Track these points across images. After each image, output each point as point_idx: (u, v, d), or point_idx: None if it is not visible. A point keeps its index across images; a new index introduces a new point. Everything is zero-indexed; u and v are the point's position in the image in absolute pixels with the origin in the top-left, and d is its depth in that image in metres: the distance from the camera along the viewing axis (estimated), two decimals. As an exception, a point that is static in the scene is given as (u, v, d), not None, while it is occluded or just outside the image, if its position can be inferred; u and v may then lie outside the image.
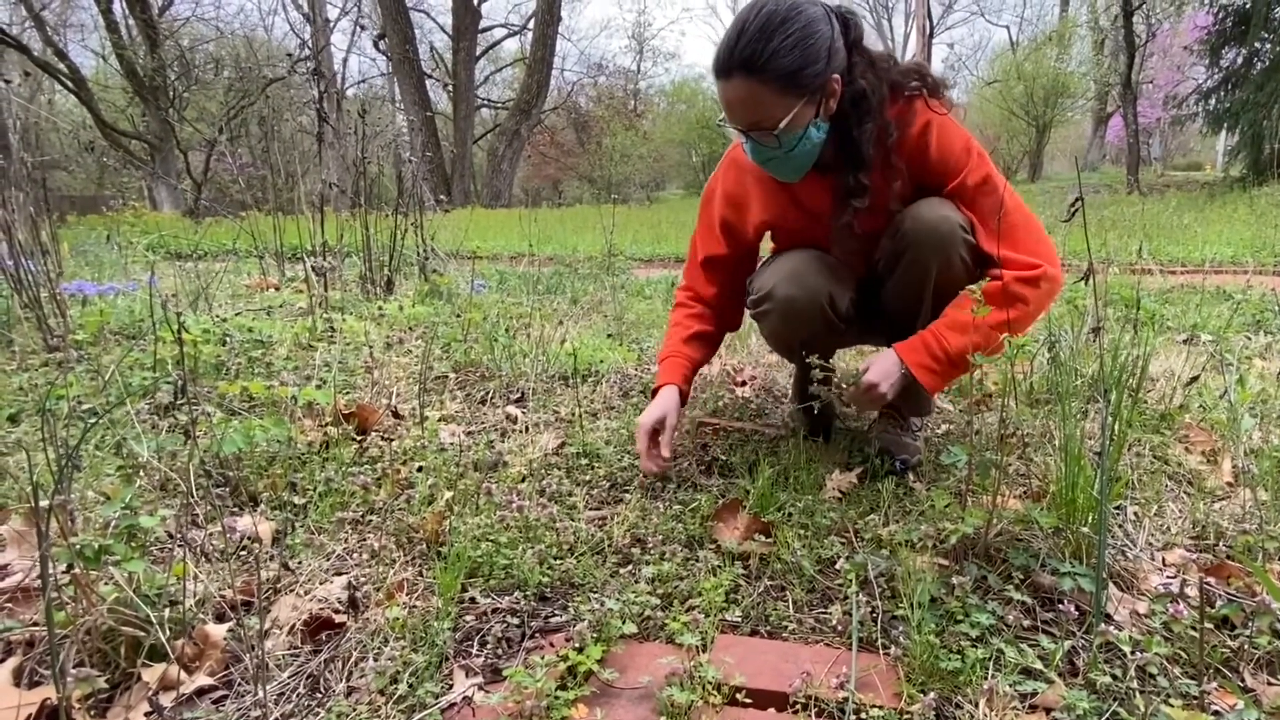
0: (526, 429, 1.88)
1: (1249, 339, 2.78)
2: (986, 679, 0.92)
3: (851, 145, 1.40)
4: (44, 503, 0.79)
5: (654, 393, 1.61)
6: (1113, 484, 1.12)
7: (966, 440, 1.76)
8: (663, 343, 1.72)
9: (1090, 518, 1.16)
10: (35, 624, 0.97)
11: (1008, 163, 26.98)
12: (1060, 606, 1.04)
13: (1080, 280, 1.08)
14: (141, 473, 1.39)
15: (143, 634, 0.89)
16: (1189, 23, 17.46)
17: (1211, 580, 1.08)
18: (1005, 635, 1.01)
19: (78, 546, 0.83)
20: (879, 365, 1.44)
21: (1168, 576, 1.14)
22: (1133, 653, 0.93)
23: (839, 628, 1.07)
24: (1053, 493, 1.25)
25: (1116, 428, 1.21)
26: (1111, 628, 0.97)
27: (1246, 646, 0.96)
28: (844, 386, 1.45)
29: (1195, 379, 1.93)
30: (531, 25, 20.94)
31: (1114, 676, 0.91)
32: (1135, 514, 1.36)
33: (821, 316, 1.53)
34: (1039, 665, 0.94)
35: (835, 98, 1.36)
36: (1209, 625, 0.92)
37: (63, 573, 0.90)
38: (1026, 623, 1.05)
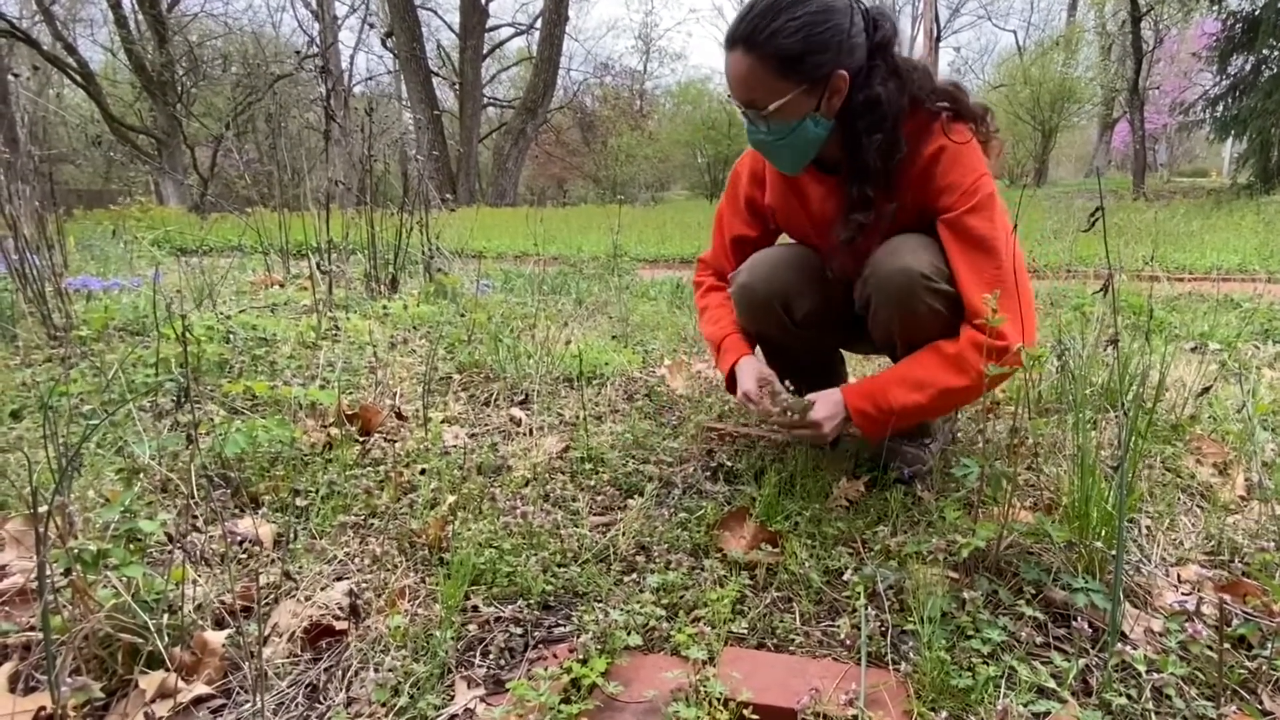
0: (530, 432, 1.86)
1: (1258, 348, 2.75)
2: (999, 698, 0.90)
3: (859, 153, 1.34)
4: (42, 507, 0.77)
5: (730, 369, 1.58)
6: (1128, 497, 1.10)
7: (976, 450, 1.75)
8: (710, 325, 1.68)
9: (1104, 531, 1.15)
10: (33, 628, 0.95)
11: (1012, 168, 26.95)
12: (1074, 623, 1.02)
13: (1098, 292, 1.06)
14: (142, 474, 1.38)
15: (140, 641, 0.87)
16: (1197, 29, 17.40)
17: (1228, 598, 1.06)
18: (1017, 652, 0.99)
19: (76, 551, 0.82)
20: (824, 404, 1.41)
21: (1183, 594, 1.12)
22: (1148, 673, 0.91)
23: (847, 641, 1.05)
24: (1065, 505, 1.23)
25: (1133, 441, 1.19)
26: (1126, 647, 0.95)
27: (1265, 668, 0.94)
28: (789, 416, 1.40)
29: (1207, 389, 1.91)
30: (539, 24, 20.95)
31: (1129, 697, 0.89)
32: (1148, 528, 1.34)
33: (774, 316, 1.53)
34: (1052, 684, 0.92)
35: (840, 95, 1.29)
36: (1226, 645, 0.90)
37: (61, 576, 0.89)
38: (1039, 639, 1.03)
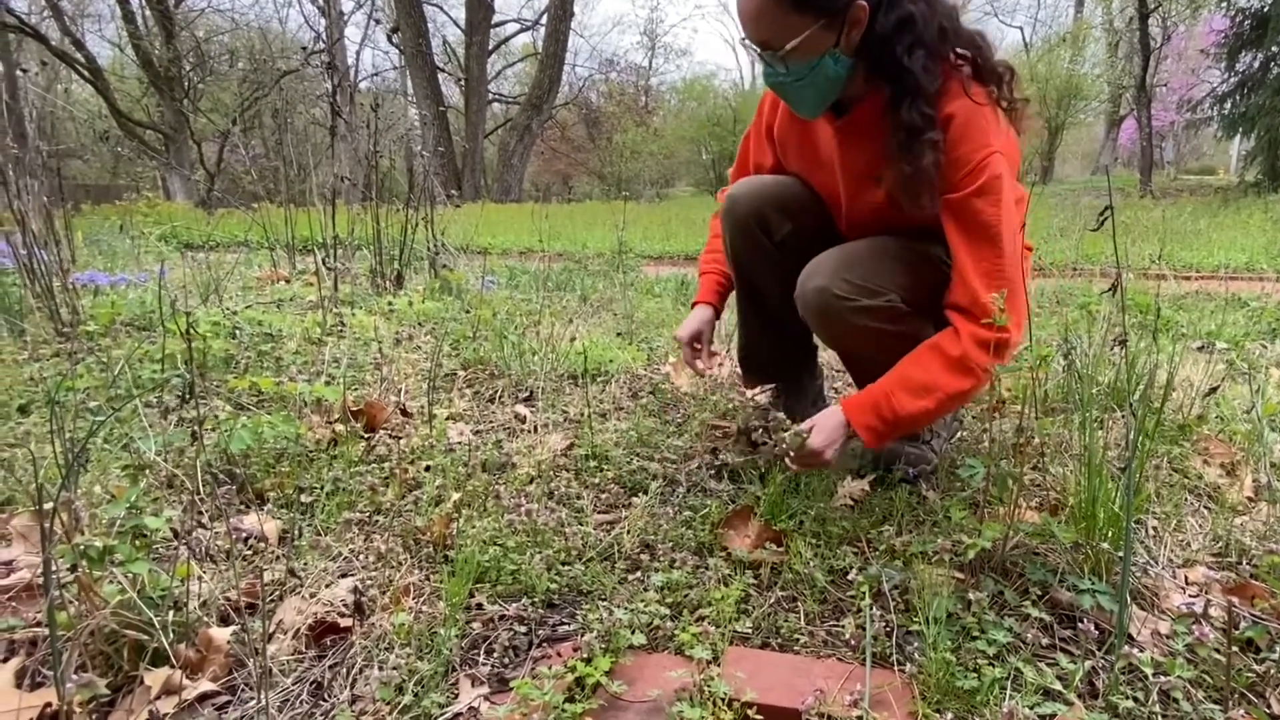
0: (535, 429, 1.86)
1: (1265, 347, 2.74)
2: (1005, 699, 0.89)
3: (904, 74, 1.20)
4: (48, 503, 0.78)
5: (694, 305, 1.69)
6: (1135, 498, 1.10)
7: (982, 449, 1.74)
8: (703, 256, 1.75)
9: (1111, 532, 1.14)
10: (39, 623, 0.96)
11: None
12: (1080, 625, 1.01)
13: (1106, 291, 1.05)
14: (148, 471, 1.38)
15: (145, 637, 0.87)
16: (1205, 26, 17.30)
17: (1235, 601, 1.05)
18: (1023, 654, 0.99)
19: (81, 547, 0.82)
20: (823, 428, 1.33)
21: (1190, 596, 1.11)
22: (1155, 675, 0.91)
23: (852, 642, 1.05)
24: (1071, 506, 1.22)
25: (1140, 442, 1.19)
26: (1133, 649, 0.94)
27: (1273, 671, 0.94)
28: (786, 446, 1.33)
29: (1215, 389, 1.90)
30: (544, 20, 20.92)
31: (1136, 700, 0.89)
32: (1155, 529, 1.34)
33: (750, 232, 1.55)
34: (1058, 686, 0.91)
35: (859, 28, 1.20)
36: (1234, 648, 0.90)
37: (66, 572, 0.89)
38: (1045, 641, 1.03)
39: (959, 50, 1.26)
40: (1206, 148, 29.92)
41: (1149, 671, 0.91)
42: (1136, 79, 14.90)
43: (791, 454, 1.34)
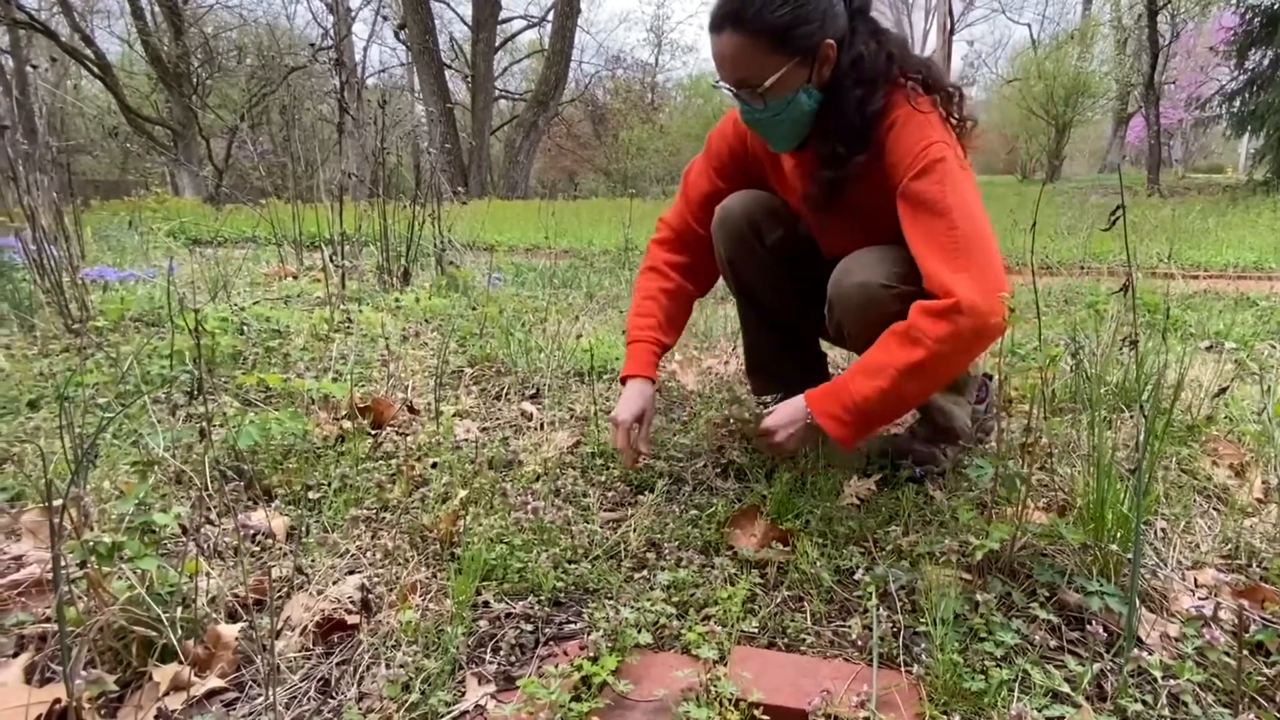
0: (541, 426, 1.86)
1: (1275, 347, 2.72)
2: (1013, 701, 0.89)
3: (839, 111, 1.31)
4: (58, 500, 0.78)
5: (624, 380, 1.57)
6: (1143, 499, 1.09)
7: (989, 449, 1.73)
8: (632, 315, 1.64)
9: (1119, 534, 1.13)
10: (48, 619, 0.96)
11: (1025, 163, 26.71)
12: (1088, 627, 1.01)
13: (1117, 291, 1.04)
14: (156, 467, 1.39)
15: (154, 634, 0.88)
16: (1214, 23, 17.17)
17: (1245, 604, 1.05)
18: (1031, 655, 0.98)
19: (91, 543, 0.82)
20: (781, 411, 1.37)
21: (1199, 599, 1.11)
22: (1164, 679, 0.90)
23: (859, 642, 1.04)
24: (1080, 507, 1.22)
25: (1150, 443, 1.18)
26: (1142, 652, 0.94)
27: (1283, 675, 0.93)
28: (751, 426, 1.38)
29: (1224, 390, 1.89)
30: (551, 17, 20.90)
31: (1145, 703, 0.89)
32: (1164, 530, 1.33)
33: (742, 236, 1.57)
34: (1066, 688, 0.91)
35: (829, 64, 1.30)
36: (1244, 652, 0.89)
37: (76, 567, 0.89)
38: (1052, 643, 1.02)
39: (908, 74, 1.32)
40: (1215, 146, 29.75)
41: (1158, 674, 0.91)
42: (1145, 76, 14.81)
43: (746, 431, 1.38)
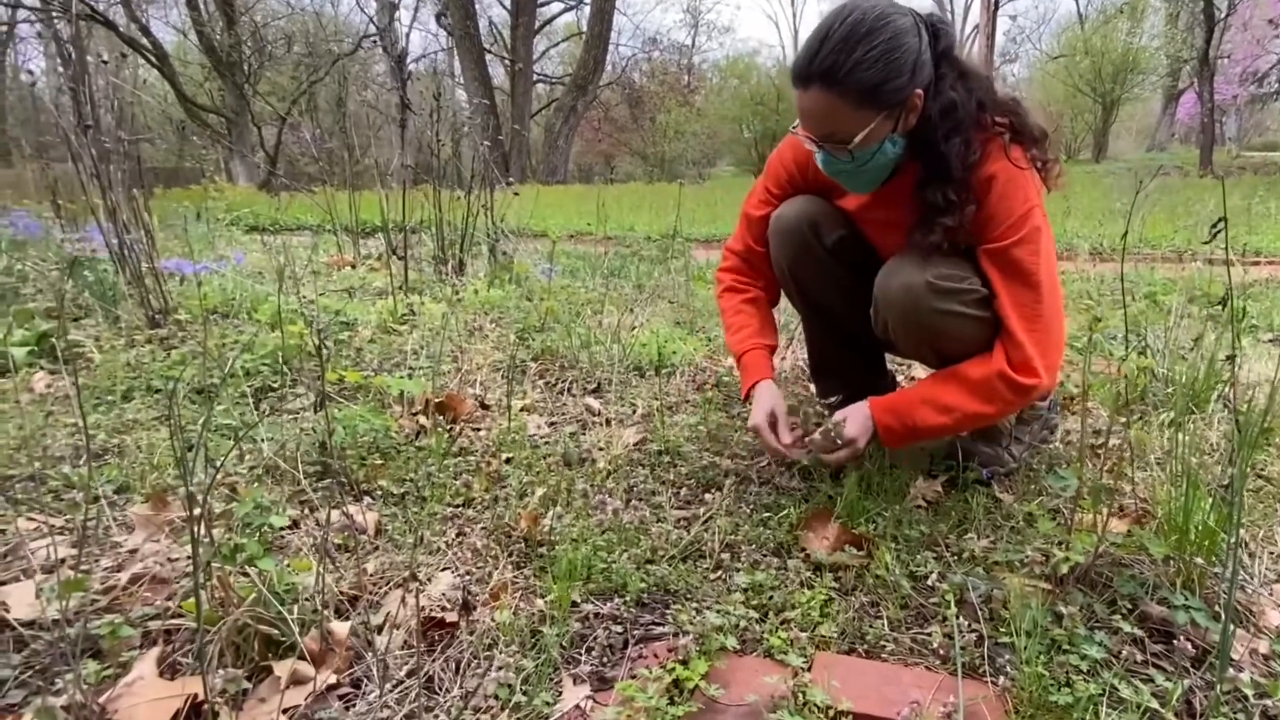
0: (608, 423, 1.89)
1: (1347, 342, 2.64)
2: (1100, 717, 0.90)
3: (938, 159, 1.33)
4: (175, 495, 0.83)
5: (748, 392, 1.59)
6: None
7: (1054, 450, 1.72)
8: (732, 334, 1.68)
9: (1205, 545, 1.13)
10: (171, 613, 1.02)
11: (1070, 141, 25.89)
12: (1175, 642, 1.01)
13: (1218, 303, 1.03)
14: (260, 465, 1.45)
15: (274, 630, 0.93)
16: (1273, -6, 16.34)
17: (1337, 622, 1.04)
18: (1116, 669, 0.99)
19: (221, 547, 0.88)
20: (856, 418, 1.43)
21: (1289, 614, 1.10)
22: (1257, 697, 0.90)
23: (940, 650, 1.06)
24: (1161, 517, 1.21)
25: (1241, 454, 1.17)
26: (1232, 669, 0.94)
27: (1379, 696, 0.92)
28: (816, 436, 1.41)
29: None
30: (589, 0, 20.78)
31: (1237, 722, 0.89)
32: (1247, 541, 1.31)
33: (801, 238, 1.57)
34: (1155, 705, 0.92)
35: (916, 112, 1.31)
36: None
37: (207, 566, 0.95)
38: (1138, 657, 1.03)
39: (998, 119, 1.35)
40: (1271, 123, 28.45)
41: (1249, 693, 0.91)
42: (1198, 51, 14.22)
43: (822, 439, 1.42)
